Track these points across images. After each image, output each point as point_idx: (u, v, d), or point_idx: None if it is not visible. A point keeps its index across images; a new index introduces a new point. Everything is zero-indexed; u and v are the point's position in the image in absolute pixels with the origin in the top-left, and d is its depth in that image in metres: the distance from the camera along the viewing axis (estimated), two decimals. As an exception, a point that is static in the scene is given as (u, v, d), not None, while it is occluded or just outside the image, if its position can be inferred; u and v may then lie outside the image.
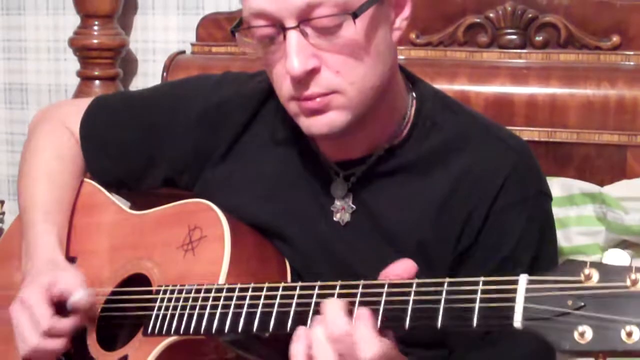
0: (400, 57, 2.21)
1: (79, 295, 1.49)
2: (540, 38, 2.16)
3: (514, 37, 2.18)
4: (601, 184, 2.01)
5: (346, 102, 1.35)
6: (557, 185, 1.98)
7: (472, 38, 2.21)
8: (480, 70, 2.17)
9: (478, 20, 2.20)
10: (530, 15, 2.16)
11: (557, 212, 1.93)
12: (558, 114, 2.08)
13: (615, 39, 2.12)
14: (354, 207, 1.48)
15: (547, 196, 1.50)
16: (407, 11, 1.40)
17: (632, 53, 2.11)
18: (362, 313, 1.19)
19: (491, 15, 2.18)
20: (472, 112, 1.55)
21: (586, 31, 2.13)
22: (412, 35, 2.24)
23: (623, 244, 1.95)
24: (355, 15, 1.29)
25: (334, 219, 1.49)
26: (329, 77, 1.33)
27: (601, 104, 2.05)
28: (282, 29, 1.32)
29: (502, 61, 2.19)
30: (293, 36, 1.31)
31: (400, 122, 1.47)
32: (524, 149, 1.49)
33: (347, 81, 1.34)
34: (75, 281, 1.51)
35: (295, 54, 1.30)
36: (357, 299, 1.20)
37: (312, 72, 1.33)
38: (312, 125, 1.37)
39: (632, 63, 2.11)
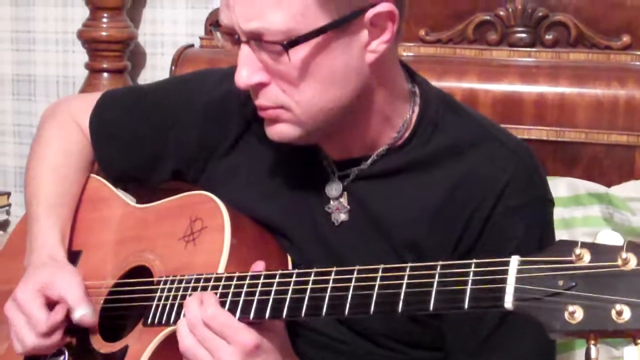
0: (409, 54, 2.22)
1: (82, 312, 1.51)
2: (550, 37, 2.15)
3: (523, 35, 2.17)
4: (609, 185, 2.00)
5: (294, 119, 1.38)
6: (564, 185, 1.97)
7: (481, 36, 2.20)
8: (489, 68, 2.16)
9: (488, 18, 2.19)
10: (540, 14, 2.15)
11: (563, 212, 1.93)
12: (567, 113, 2.07)
13: (626, 38, 2.10)
14: (348, 207, 1.48)
15: (549, 201, 1.48)
16: (387, 35, 1.36)
17: (642, 53, 2.11)
18: (207, 295, 1.32)
19: (501, 13, 2.18)
20: (476, 115, 1.54)
21: (596, 30, 2.12)
22: (422, 32, 2.23)
23: (630, 246, 1.94)
24: (288, 46, 1.30)
25: (331, 218, 1.49)
26: (277, 93, 1.36)
27: (610, 104, 2.04)
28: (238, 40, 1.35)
29: (512, 59, 2.18)
30: (244, 49, 1.34)
31: (401, 125, 1.46)
32: (527, 153, 1.48)
33: (293, 100, 1.36)
34: (76, 286, 1.52)
35: (243, 66, 1.35)
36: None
37: (261, 86, 1.36)
38: (268, 131, 1.42)
39: (642, 63, 2.10)
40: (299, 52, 1.32)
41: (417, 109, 1.47)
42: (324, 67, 1.34)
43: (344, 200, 1.48)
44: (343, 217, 1.48)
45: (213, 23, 1.41)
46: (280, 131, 1.40)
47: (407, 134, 1.46)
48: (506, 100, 2.10)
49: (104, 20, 2.49)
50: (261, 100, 1.38)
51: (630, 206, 1.90)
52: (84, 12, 2.54)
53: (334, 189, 1.49)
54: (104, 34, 2.49)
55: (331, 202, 1.49)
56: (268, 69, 1.35)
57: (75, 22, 2.60)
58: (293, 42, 1.30)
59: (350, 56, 1.35)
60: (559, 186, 1.95)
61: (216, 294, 1.33)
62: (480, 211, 1.40)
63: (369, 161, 1.47)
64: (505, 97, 2.11)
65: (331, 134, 1.44)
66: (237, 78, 1.35)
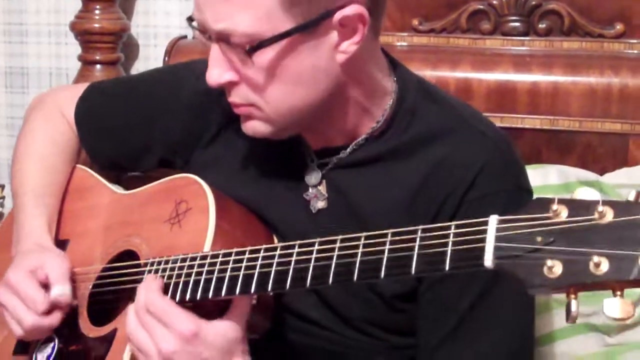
0: (403, 43, 2.21)
1: (57, 291, 1.51)
2: (544, 25, 2.14)
3: (517, 24, 2.16)
4: (603, 172, 2.00)
5: (264, 117, 1.40)
6: (555, 173, 1.97)
7: (475, 25, 2.19)
8: (483, 57, 2.15)
9: (481, 7, 2.18)
10: (533, 3, 2.14)
11: (554, 200, 1.92)
12: (561, 102, 2.06)
13: (619, 27, 2.10)
14: (326, 195, 1.49)
15: (525, 191, 1.47)
16: (357, 37, 1.36)
17: (635, 41, 2.10)
18: (150, 280, 1.36)
19: (494, 2, 2.17)
20: (455, 102, 1.54)
21: (590, 19, 2.12)
22: (415, 22, 2.22)
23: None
24: (252, 50, 1.31)
25: (309, 206, 1.50)
26: (247, 92, 1.38)
27: (604, 92, 2.04)
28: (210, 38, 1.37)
29: (505, 48, 2.17)
30: (214, 48, 1.37)
31: (380, 116, 1.46)
32: (505, 142, 1.48)
33: (263, 100, 1.38)
34: (61, 267, 1.53)
35: (213, 66, 1.37)
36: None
37: (231, 84, 1.38)
38: (242, 127, 1.45)
39: (635, 51, 2.09)
40: (265, 55, 1.33)
41: (396, 93, 1.47)
42: (290, 69, 1.35)
43: (322, 188, 1.49)
44: (321, 205, 1.49)
45: (189, 17, 1.42)
46: (253, 127, 1.43)
47: (385, 124, 1.46)
48: (500, 89, 2.10)
49: (97, 12, 2.47)
50: (233, 98, 1.40)
51: (620, 193, 1.90)
52: (76, 4, 2.52)
53: (313, 177, 1.50)
54: (96, 25, 2.47)
55: (310, 189, 1.50)
56: (237, 70, 1.36)
57: (68, 14, 2.58)
58: (256, 47, 1.31)
59: (318, 57, 1.36)
60: (550, 173, 1.95)
61: (201, 272, 1.33)
62: (453, 196, 1.41)
63: (348, 150, 1.47)
64: (499, 86, 2.10)
65: (309, 126, 1.45)
66: (208, 77, 1.38)
